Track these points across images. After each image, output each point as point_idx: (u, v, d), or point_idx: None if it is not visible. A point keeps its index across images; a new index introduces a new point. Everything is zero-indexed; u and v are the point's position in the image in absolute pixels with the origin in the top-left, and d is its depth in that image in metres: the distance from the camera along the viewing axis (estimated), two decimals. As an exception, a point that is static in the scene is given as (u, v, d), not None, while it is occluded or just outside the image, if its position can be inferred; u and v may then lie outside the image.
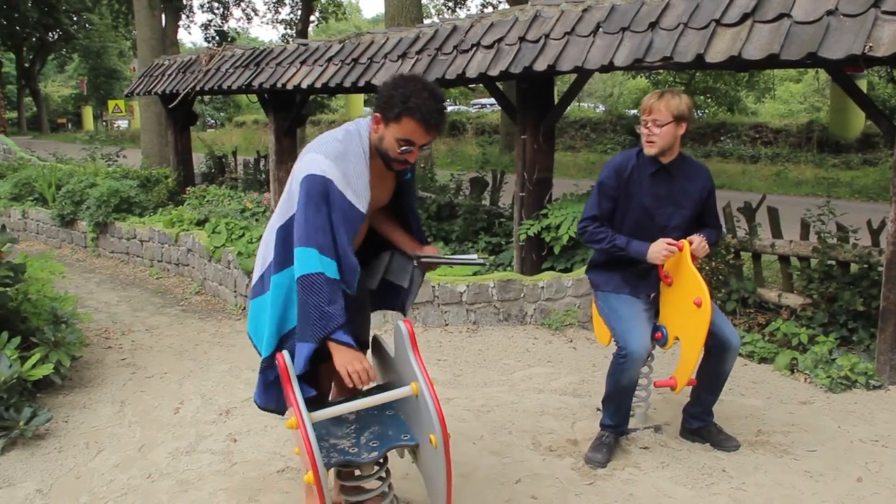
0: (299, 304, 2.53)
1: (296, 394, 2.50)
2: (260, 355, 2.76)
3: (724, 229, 3.79)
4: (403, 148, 2.62)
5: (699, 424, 3.79)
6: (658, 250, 3.42)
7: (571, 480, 3.47)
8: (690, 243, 3.44)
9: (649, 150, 3.46)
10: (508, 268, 6.56)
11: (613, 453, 3.66)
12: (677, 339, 3.54)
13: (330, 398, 3.03)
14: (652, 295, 3.67)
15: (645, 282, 3.63)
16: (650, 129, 3.41)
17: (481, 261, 3.09)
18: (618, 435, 3.72)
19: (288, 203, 2.69)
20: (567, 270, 6.26)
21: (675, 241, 3.45)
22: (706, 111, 25.59)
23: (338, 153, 2.61)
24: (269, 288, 2.70)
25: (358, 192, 2.63)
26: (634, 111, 26.02)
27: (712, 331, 3.43)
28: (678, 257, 3.47)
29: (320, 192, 2.53)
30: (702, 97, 25.01)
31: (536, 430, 4.02)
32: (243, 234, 7.14)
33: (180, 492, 3.43)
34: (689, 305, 3.39)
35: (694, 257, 3.45)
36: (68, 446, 3.91)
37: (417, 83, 2.58)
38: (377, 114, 2.64)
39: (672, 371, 3.67)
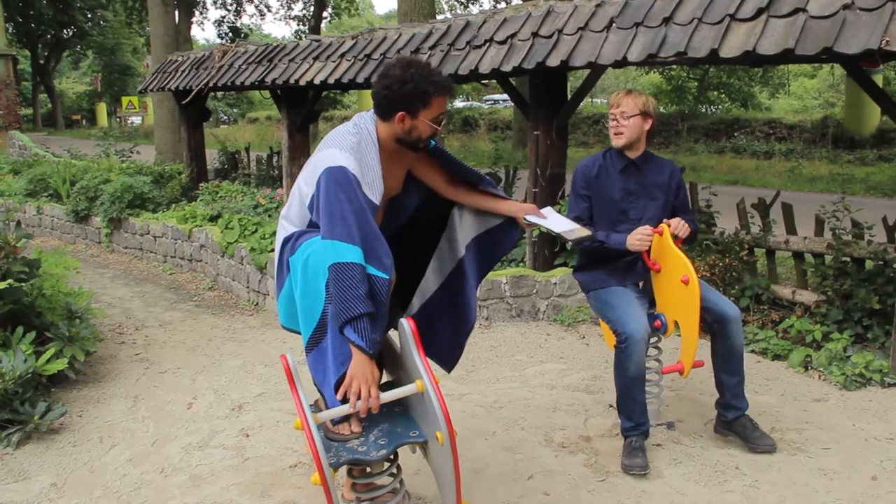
0: (330, 295, 2.51)
1: (300, 395, 2.49)
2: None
3: (696, 224, 3.87)
4: (440, 125, 2.75)
5: (734, 414, 3.68)
6: (634, 238, 3.50)
7: (584, 477, 3.46)
8: (669, 226, 3.49)
9: (617, 142, 3.59)
10: (521, 263, 6.55)
11: (647, 455, 3.57)
12: (677, 324, 3.54)
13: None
14: (641, 284, 3.71)
15: (631, 273, 3.69)
16: (618, 120, 3.56)
17: (570, 240, 3.17)
18: (644, 436, 3.59)
19: (297, 207, 2.75)
20: (579, 267, 6.24)
21: (653, 228, 3.53)
22: (720, 107, 25.46)
23: (352, 145, 2.65)
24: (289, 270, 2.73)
25: (370, 183, 2.65)
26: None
27: (708, 307, 3.46)
28: (661, 242, 3.51)
29: (339, 182, 2.54)
30: (715, 93, 24.91)
31: (549, 426, 4.01)
32: (256, 230, 7.15)
33: (193, 486, 3.44)
34: (678, 286, 3.40)
35: (677, 240, 3.48)
36: (82, 440, 3.94)
37: (418, 64, 2.68)
38: (402, 112, 2.67)
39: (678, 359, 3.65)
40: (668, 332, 3.63)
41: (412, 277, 3.14)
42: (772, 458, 3.59)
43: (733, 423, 3.71)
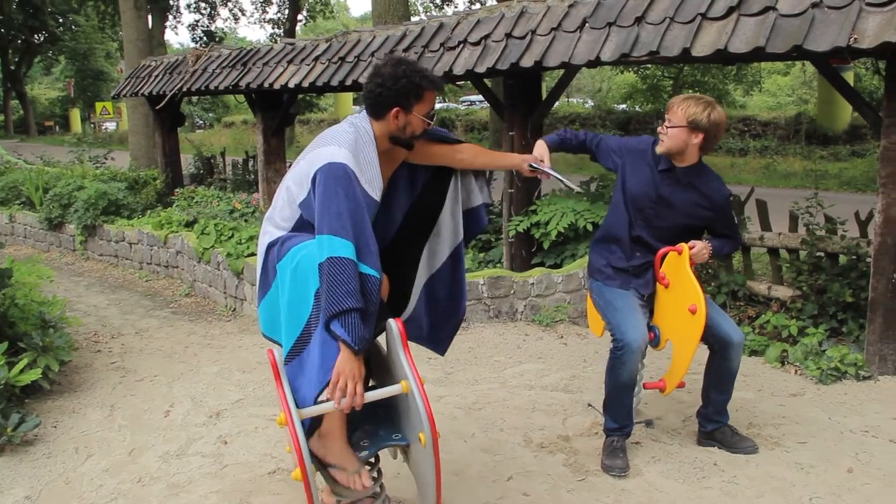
0: (322, 290, 2.48)
1: (284, 390, 2.49)
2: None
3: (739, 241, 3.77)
4: (433, 119, 2.82)
5: (713, 426, 3.69)
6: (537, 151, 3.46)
7: (563, 477, 3.47)
8: (691, 248, 3.42)
9: (658, 148, 3.48)
10: (498, 264, 6.55)
11: (627, 455, 3.58)
12: (669, 340, 3.53)
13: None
14: (645, 294, 3.62)
15: (638, 280, 3.60)
16: (663, 127, 3.44)
17: (575, 188, 3.49)
18: (625, 437, 3.61)
19: (284, 208, 2.72)
20: (557, 266, 6.26)
21: (670, 246, 3.47)
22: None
23: (350, 142, 2.65)
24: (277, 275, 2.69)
25: (370, 179, 2.66)
26: (623, 106, 26.06)
27: (712, 327, 3.40)
28: (677, 261, 3.44)
29: (338, 178, 2.53)
30: (690, 91, 25.07)
31: (528, 426, 4.02)
32: (232, 235, 7.11)
33: (171, 495, 3.41)
34: (683, 310, 3.36)
35: (692, 262, 3.41)
36: (57, 452, 3.89)
37: (407, 61, 2.74)
38: (396, 108, 2.70)
39: (664, 371, 3.66)
40: (659, 347, 3.61)
41: (403, 277, 3.15)
42: (749, 454, 3.61)
43: (713, 433, 3.71)
